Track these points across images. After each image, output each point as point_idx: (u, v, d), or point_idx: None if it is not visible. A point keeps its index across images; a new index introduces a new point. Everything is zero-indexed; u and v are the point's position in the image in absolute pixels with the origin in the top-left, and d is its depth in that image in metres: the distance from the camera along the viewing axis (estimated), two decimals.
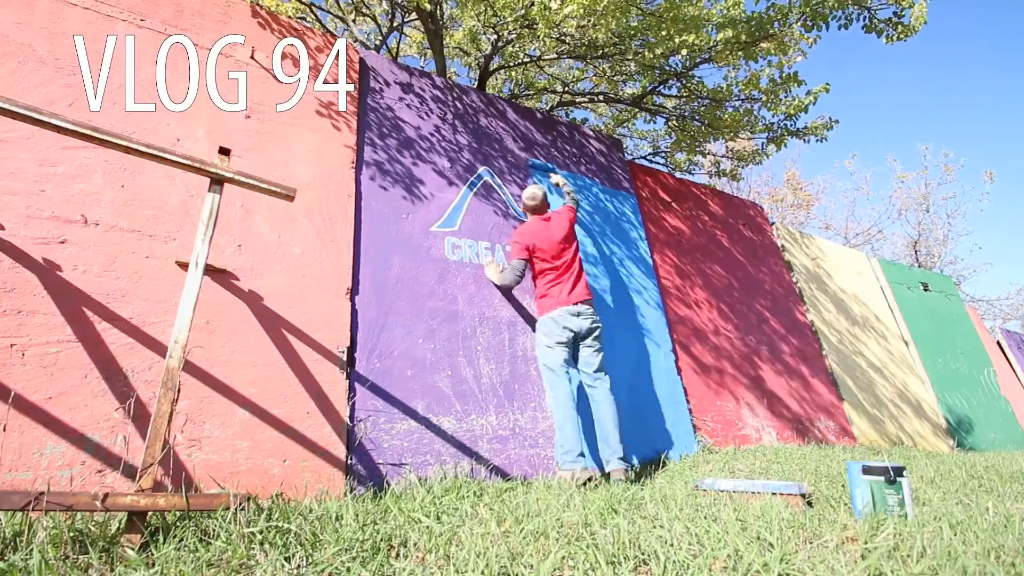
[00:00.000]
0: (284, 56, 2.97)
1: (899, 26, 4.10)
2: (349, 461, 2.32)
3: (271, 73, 2.88)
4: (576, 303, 2.89)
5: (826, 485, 2.47)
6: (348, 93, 3.14)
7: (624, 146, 5.10)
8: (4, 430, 1.72)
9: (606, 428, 2.75)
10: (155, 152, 1.73)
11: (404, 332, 2.76)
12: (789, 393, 4.56)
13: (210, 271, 2.26)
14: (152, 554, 1.30)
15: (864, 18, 4.15)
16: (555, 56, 5.30)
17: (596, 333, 2.92)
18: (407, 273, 2.91)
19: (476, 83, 5.70)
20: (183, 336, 1.63)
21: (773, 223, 6.02)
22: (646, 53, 4.08)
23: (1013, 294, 16.44)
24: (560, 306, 2.89)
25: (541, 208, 3.18)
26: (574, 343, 2.91)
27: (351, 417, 2.42)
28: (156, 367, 2.04)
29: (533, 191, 3.17)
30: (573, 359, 2.92)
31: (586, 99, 6.72)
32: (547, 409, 3.02)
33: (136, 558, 1.26)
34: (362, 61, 3.34)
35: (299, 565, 1.26)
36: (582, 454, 2.60)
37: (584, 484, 2.43)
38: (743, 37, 4.01)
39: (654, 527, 1.53)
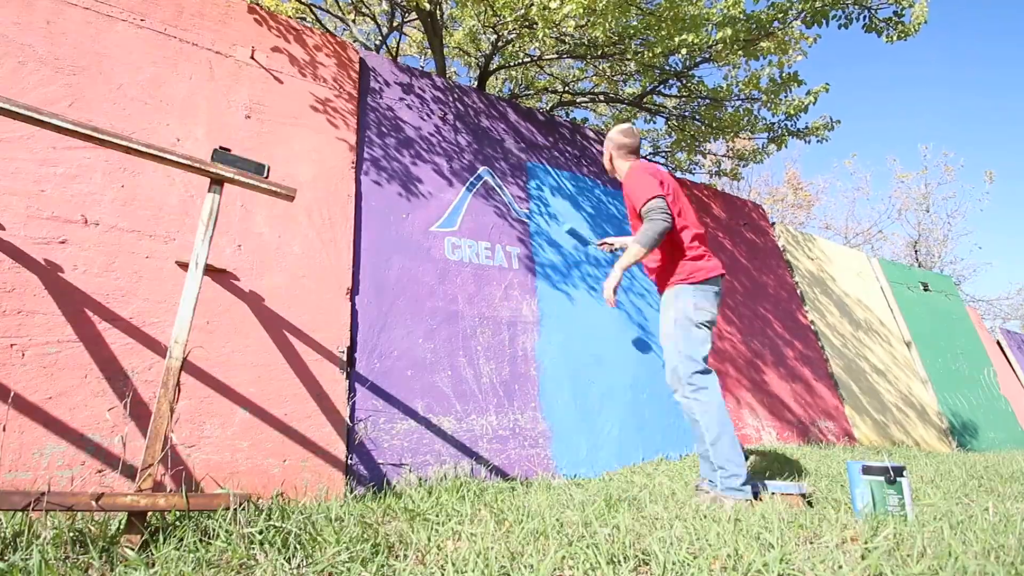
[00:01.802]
0: (285, 56, 2.97)
1: (899, 25, 4.10)
2: (349, 461, 2.32)
3: (271, 73, 2.88)
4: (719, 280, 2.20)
5: (826, 485, 2.47)
6: (348, 93, 3.14)
7: None
8: (4, 430, 1.72)
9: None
10: (155, 152, 1.73)
11: (404, 332, 2.76)
12: (789, 394, 4.56)
13: (210, 271, 2.26)
14: (152, 554, 1.30)
15: (864, 17, 4.15)
16: (555, 56, 5.30)
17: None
18: (407, 273, 2.91)
19: (476, 83, 5.70)
20: (183, 336, 1.63)
21: (773, 223, 6.02)
22: (646, 53, 4.08)
23: (1013, 294, 16.45)
24: (715, 275, 2.17)
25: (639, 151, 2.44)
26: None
27: (351, 417, 2.42)
28: (156, 367, 2.04)
29: (629, 127, 2.44)
30: None
31: (586, 99, 6.72)
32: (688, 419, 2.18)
33: (136, 558, 1.26)
34: (362, 61, 3.34)
35: (299, 565, 1.26)
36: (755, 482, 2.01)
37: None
38: (742, 36, 4.01)
39: (654, 527, 1.53)
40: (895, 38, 4.16)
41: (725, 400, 4.04)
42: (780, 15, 4.03)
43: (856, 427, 4.81)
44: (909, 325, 6.38)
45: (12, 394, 1.77)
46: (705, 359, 2.09)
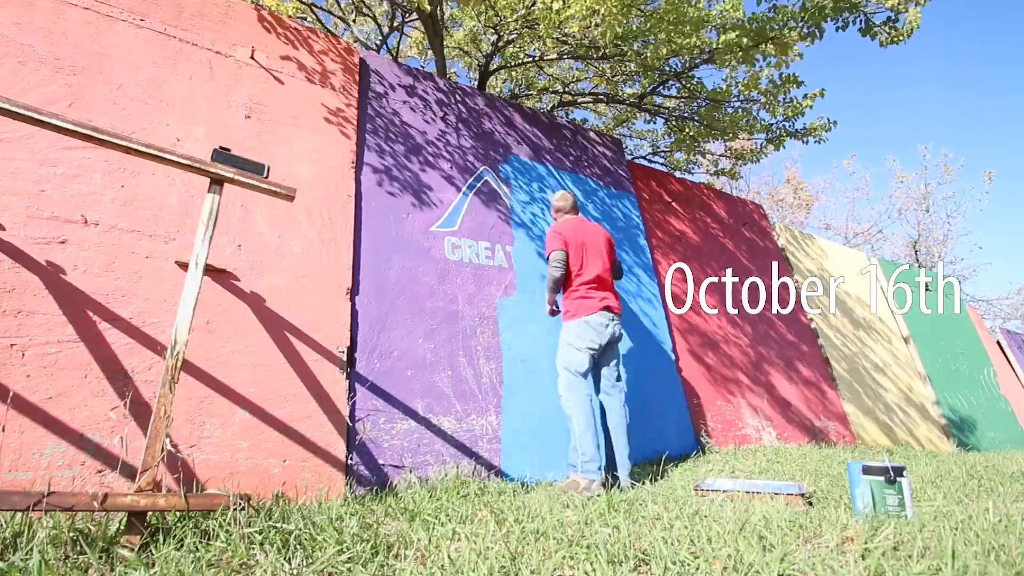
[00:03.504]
0: (285, 56, 2.97)
1: (893, 29, 4.12)
2: (349, 461, 2.32)
3: (271, 73, 2.88)
4: (609, 309, 2.80)
5: (826, 484, 2.47)
6: (349, 93, 3.14)
7: (624, 146, 5.10)
8: (4, 430, 1.72)
9: (621, 441, 2.67)
10: (155, 152, 1.73)
11: (404, 332, 2.75)
12: (789, 392, 4.56)
13: (210, 271, 2.26)
14: (152, 554, 1.30)
15: (860, 21, 4.16)
16: (555, 56, 5.30)
17: (619, 343, 2.86)
18: (407, 273, 2.91)
19: (476, 83, 5.70)
20: (183, 336, 1.63)
21: (773, 223, 6.02)
22: (647, 54, 4.08)
23: (1013, 294, 16.43)
24: (595, 311, 2.76)
25: (573, 210, 3.09)
26: (600, 351, 2.79)
27: (351, 417, 2.41)
28: (156, 367, 2.04)
29: (563, 192, 3.14)
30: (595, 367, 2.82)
31: (587, 99, 6.72)
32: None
33: (136, 558, 1.26)
34: (363, 61, 3.34)
35: (299, 565, 1.26)
36: (601, 467, 2.50)
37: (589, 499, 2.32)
38: (744, 41, 4.00)
39: (655, 527, 1.53)
40: (888, 41, 4.17)
41: (726, 400, 4.04)
42: (780, 22, 4.03)
43: (853, 422, 4.80)
44: (909, 325, 6.38)
45: (12, 394, 1.77)
46: (587, 371, 2.69)
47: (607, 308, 2.78)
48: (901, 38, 4.12)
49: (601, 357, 2.80)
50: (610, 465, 2.67)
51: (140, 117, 2.39)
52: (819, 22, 3.98)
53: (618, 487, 2.53)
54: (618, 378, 2.81)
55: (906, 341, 6.24)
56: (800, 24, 3.99)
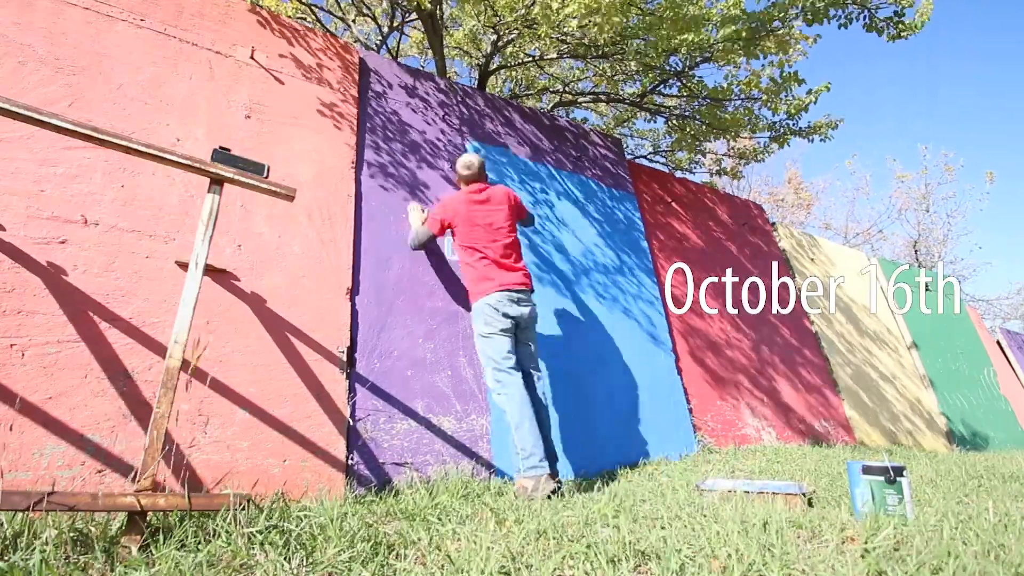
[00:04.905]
0: (285, 56, 2.97)
1: (899, 24, 4.10)
2: (349, 461, 2.32)
3: (271, 73, 2.88)
4: (515, 287, 2.58)
5: (826, 484, 2.47)
6: (348, 93, 3.14)
7: (625, 146, 5.10)
8: (11, 430, 1.72)
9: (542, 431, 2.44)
10: (155, 152, 1.73)
11: (404, 332, 2.75)
12: (788, 392, 4.56)
13: (210, 271, 2.26)
14: (152, 554, 1.30)
15: (864, 17, 4.15)
16: (555, 56, 5.30)
17: (535, 324, 2.68)
18: (407, 273, 2.91)
19: (476, 83, 5.70)
20: (183, 336, 1.63)
21: (773, 223, 6.02)
22: (648, 51, 4.08)
23: (1013, 294, 16.43)
24: (498, 291, 2.55)
25: (478, 178, 2.77)
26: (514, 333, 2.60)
27: (351, 417, 2.41)
28: (156, 367, 2.04)
29: (469, 159, 2.78)
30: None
31: (587, 99, 6.72)
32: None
33: (137, 558, 1.26)
34: (362, 61, 3.34)
35: (299, 565, 1.26)
36: (544, 458, 2.29)
37: (550, 496, 2.14)
38: (744, 34, 4.00)
39: (655, 527, 1.53)
40: (895, 36, 4.15)
41: (726, 401, 4.04)
42: (780, 14, 4.03)
43: (852, 422, 4.80)
44: (909, 325, 6.38)
45: (13, 395, 1.77)
46: (505, 357, 2.47)
47: (509, 287, 2.56)
48: (910, 32, 4.11)
49: (518, 339, 2.61)
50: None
51: (140, 117, 2.39)
52: (819, 18, 3.96)
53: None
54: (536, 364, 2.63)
55: (907, 344, 6.24)
56: (801, 14, 3.97)
